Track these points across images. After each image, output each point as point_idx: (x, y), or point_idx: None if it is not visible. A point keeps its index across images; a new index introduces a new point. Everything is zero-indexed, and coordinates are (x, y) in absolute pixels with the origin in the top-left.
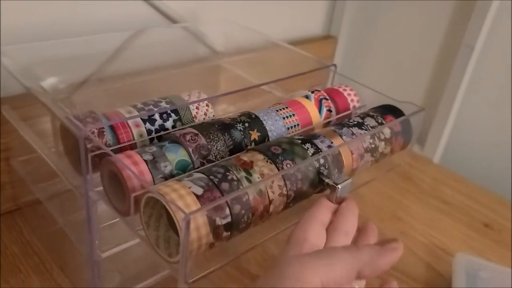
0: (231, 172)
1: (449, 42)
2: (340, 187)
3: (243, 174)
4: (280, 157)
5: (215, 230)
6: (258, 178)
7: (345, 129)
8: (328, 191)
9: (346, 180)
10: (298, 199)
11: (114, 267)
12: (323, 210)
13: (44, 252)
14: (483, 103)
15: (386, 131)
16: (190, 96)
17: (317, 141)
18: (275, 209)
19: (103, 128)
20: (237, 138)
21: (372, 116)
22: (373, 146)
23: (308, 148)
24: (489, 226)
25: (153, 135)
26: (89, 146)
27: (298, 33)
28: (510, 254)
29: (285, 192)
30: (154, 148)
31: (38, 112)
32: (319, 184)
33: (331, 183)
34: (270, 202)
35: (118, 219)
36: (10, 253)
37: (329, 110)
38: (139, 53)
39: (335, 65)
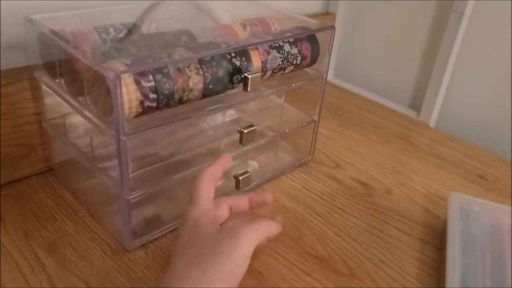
0: (156, 54)
1: (441, 9)
2: (250, 77)
3: (165, 55)
4: (197, 48)
5: (142, 90)
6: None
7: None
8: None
9: (255, 73)
10: (216, 82)
11: (142, 216)
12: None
13: (76, 204)
14: (474, 68)
15: (291, 39)
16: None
17: (230, 42)
18: (194, 85)
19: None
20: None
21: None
22: (277, 44)
23: (222, 45)
24: (483, 177)
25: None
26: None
27: (298, 10)
28: (504, 201)
29: (201, 73)
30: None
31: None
32: (233, 73)
33: (242, 75)
34: (189, 78)
35: (146, 168)
36: (45, 206)
37: None
38: (150, 27)
39: (333, 27)
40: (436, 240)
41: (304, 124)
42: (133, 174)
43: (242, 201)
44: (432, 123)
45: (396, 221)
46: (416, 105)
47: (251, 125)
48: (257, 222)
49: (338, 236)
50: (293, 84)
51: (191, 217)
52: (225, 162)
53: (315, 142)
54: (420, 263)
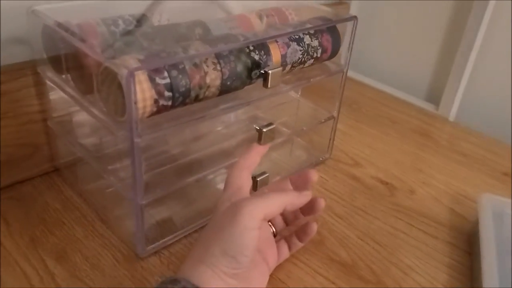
0: (170, 48)
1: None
2: (271, 72)
3: (180, 49)
4: (214, 41)
5: (156, 87)
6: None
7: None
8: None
9: (276, 68)
10: (234, 78)
11: (154, 219)
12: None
13: (84, 207)
14: (497, 59)
15: (311, 30)
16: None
17: (248, 34)
18: (212, 81)
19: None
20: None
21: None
22: (297, 37)
23: (240, 38)
24: (508, 174)
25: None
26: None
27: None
28: None
29: (219, 68)
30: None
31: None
32: (252, 68)
33: (261, 70)
34: (206, 74)
35: (158, 169)
36: (52, 209)
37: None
38: (161, 19)
39: (356, 17)
40: (464, 243)
41: (322, 120)
42: (145, 176)
43: (284, 184)
44: (451, 117)
45: (421, 223)
46: (433, 98)
47: (270, 123)
48: (265, 194)
49: (361, 240)
50: (312, 79)
51: (216, 204)
52: (261, 148)
53: (333, 140)
54: (450, 269)
